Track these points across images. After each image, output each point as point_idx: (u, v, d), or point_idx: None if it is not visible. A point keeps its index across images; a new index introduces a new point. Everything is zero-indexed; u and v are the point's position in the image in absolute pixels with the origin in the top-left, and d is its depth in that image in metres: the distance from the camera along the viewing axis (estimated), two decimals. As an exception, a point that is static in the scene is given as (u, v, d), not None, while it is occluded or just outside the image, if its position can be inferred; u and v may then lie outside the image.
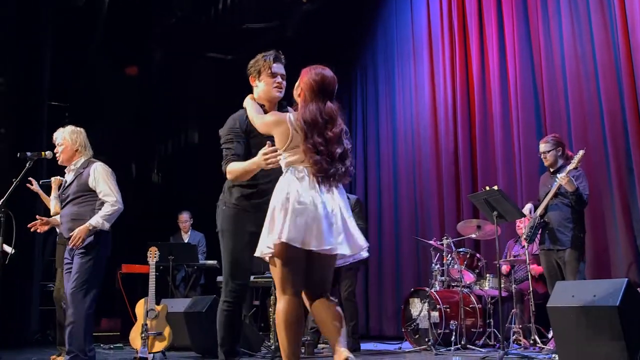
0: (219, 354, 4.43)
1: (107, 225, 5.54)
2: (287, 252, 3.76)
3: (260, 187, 4.39)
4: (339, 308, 3.94)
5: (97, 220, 5.50)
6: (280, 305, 3.83)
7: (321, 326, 3.99)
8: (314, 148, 3.81)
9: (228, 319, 4.39)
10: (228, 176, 4.32)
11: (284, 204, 3.76)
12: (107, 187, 5.63)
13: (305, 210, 3.74)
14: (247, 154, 4.30)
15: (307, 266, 3.87)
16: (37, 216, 6.11)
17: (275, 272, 3.86)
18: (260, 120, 4.10)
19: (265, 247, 3.80)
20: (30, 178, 6.07)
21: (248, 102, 4.34)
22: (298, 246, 3.72)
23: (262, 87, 4.50)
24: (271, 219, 3.80)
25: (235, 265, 4.32)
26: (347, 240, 3.85)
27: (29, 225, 6.00)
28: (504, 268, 7.97)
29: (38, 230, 6.12)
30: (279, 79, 4.49)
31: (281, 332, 3.82)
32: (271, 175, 4.13)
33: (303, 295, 3.94)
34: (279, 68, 4.52)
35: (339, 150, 3.88)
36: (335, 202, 3.87)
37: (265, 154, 3.89)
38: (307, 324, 7.82)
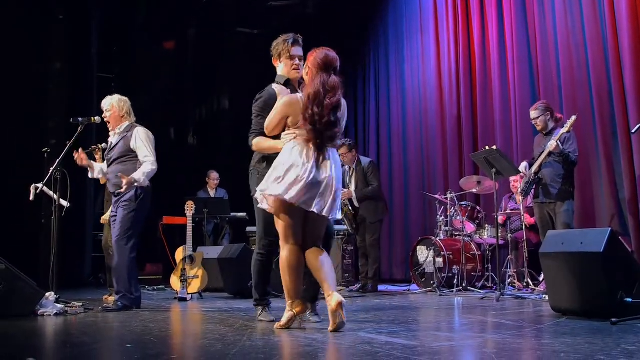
0: (254, 294, 4.65)
1: (147, 182, 5.64)
2: (290, 208, 3.99)
3: None
4: (327, 256, 4.08)
5: (140, 176, 5.57)
6: (284, 252, 4.05)
7: (313, 272, 4.06)
8: (310, 119, 3.96)
9: (261, 267, 4.57)
10: (253, 148, 4.50)
11: (290, 167, 3.96)
12: (147, 149, 5.70)
13: (304, 178, 3.92)
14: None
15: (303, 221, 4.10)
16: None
17: (280, 224, 4.08)
18: (273, 114, 4.18)
19: (263, 192, 4.07)
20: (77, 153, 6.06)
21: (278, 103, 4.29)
22: (300, 206, 3.96)
23: (282, 67, 4.60)
24: (276, 171, 4.01)
25: (269, 225, 4.36)
26: (330, 205, 4.01)
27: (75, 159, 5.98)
28: (500, 219, 7.97)
29: (79, 161, 6.04)
30: (296, 61, 4.55)
31: (285, 275, 4.04)
32: None
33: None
34: (297, 51, 4.57)
35: (332, 118, 4.00)
36: (328, 172, 4.00)
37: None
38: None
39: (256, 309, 4.65)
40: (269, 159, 4.38)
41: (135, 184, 5.56)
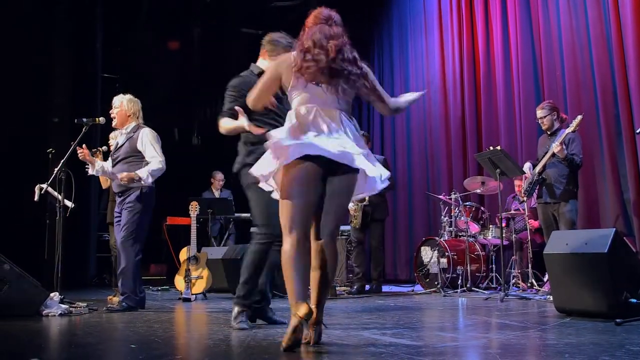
0: (240, 290, 4.33)
1: (150, 180, 5.60)
2: (295, 169, 3.24)
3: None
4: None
5: (144, 172, 5.57)
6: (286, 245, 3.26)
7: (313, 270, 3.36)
8: (314, 59, 3.30)
9: (257, 260, 4.38)
10: (220, 128, 4.21)
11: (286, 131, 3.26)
12: (154, 149, 5.69)
13: (305, 131, 3.21)
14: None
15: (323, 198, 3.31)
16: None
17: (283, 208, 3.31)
18: (261, 80, 3.54)
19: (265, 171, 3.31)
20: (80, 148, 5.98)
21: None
22: (300, 155, 3.15)
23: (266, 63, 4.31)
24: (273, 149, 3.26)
25: (267, 214, 4.17)
26: (365, 160, 3.28)
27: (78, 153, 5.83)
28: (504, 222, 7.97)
29: (81, 156, 5.96)
30: None
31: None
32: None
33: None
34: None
35: (343, 55, 3.31)
36: (343, 139, 3.24)
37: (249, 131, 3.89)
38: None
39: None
40: (248, 147, 4.21)
41: (138, 181, 5.55)
